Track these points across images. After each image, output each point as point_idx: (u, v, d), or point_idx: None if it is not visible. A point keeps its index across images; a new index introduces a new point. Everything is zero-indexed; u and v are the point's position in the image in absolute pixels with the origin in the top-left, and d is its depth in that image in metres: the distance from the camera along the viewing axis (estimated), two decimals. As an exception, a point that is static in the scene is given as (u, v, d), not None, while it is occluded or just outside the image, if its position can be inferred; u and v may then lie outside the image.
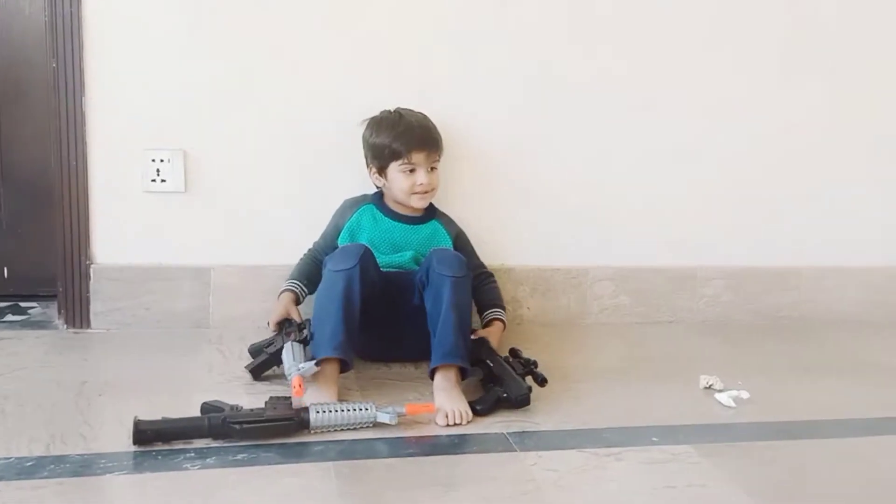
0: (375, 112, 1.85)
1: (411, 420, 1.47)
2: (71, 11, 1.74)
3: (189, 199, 1.90)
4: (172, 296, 1.91)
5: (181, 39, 1.84)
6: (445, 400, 1.51)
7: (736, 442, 1.50)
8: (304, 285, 1.81)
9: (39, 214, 1.94)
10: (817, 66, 2.19)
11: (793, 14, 2.16)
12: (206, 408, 1.39)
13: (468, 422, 1.48)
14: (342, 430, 1.42)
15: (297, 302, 1.79)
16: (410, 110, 1.86)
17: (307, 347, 1.61)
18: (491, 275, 1.94)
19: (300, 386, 1.43)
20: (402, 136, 1.78)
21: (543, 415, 1.56)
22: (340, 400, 1.50)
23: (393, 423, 1.42)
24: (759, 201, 2.23)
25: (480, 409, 1.53)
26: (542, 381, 1.60)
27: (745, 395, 1.69)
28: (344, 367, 1.57)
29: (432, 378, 1.58)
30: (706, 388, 1.74)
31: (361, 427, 1.43)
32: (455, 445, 1.41)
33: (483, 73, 2.01)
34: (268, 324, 1.76)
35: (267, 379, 1.64)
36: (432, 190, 1.83)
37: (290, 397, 1.43)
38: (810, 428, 1.59)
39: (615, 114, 2.10)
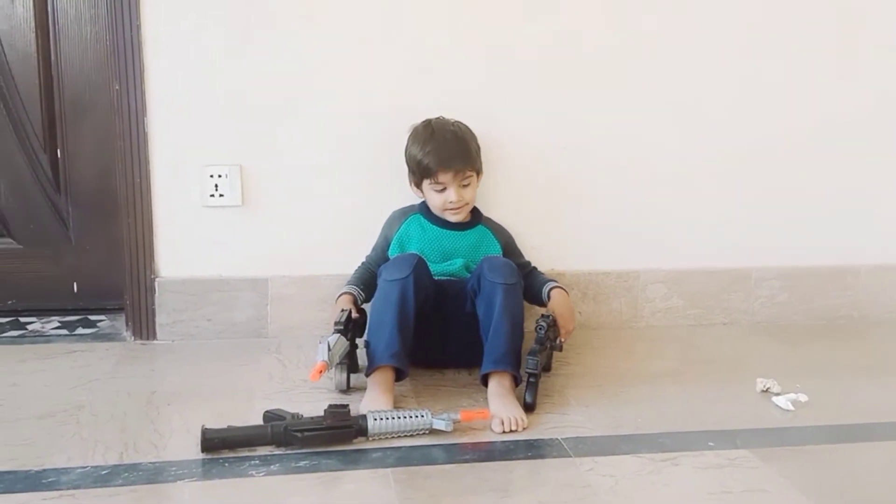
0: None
1: (466, 426, 1.50)
2: (131, 36, 1.81)
3: (246, 213, 1.96)
4: (232, 307, 1.98)
5: (235, 58, 1.90)
6: (500, 406, 1.53)
7: (794, 445, 1.49)
8: (362, 290, 1.83)
9: (105, 231, 2.02)
10: (869, 61, 2.15)
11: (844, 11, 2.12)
12: (269, 416, 1.44)
13: (524, 428, 1.51)
14: (399, 436, 1.45)
15: (356, 304, 1.81)
16: (445, 122, 1.85)
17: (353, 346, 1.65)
18: (534, 268, 1.95)
19: (319, 372, 1.47)
20: (431, 154, 1.78)
21: (598, 420, 1.57)
22: (397, 407, 1.54)
23: (448, 429, 1.45)
24: (813, 199, 2.19)
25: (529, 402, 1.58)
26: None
27: (803, 397, 1.67)
28: (399, 375, 1.60)
29: (484, 384, 1.61)
30: (763, 391, 1.72)
31: (418, 434, 1.46)
32: (511, 451, 1.43)
33: (524, 77, 2.01)
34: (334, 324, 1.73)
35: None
36: (465, 205, 1.83)
37: (347, 405, 1.47)
38: (870, 430, 1.57)
39: (662, 114, 2.09)
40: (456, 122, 1.87)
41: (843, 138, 2.18)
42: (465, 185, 1.82)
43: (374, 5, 1.92)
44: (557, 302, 1.81)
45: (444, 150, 1.78)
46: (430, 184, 1.81)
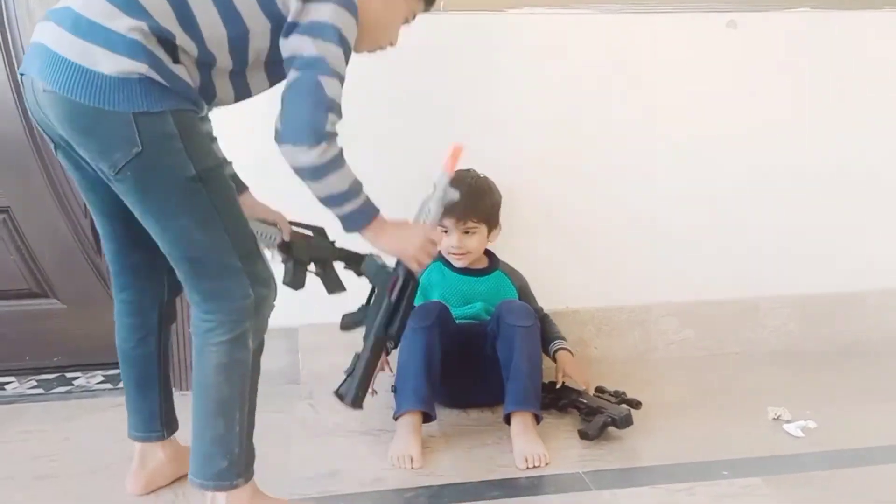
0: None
1: (494, 465, 1.59)
2: (166, 108, 1.94)
3: (275, 265, 2.06)
4: (266, 356, 2.06)
5: (262, 122, 2.01)
6: (524, 444, 1.62)
7: (805, 472, 1.56)
8: None
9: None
10: (869, 98, 2.24)
11: (829, 48, 2.22)
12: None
13: (546, 464, 1.59)
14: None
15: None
16: (469, 174, 1.92)
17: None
18: (546, 315, 2.03)
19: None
20: None
21: (617, 452, 1.65)
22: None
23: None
24: (817, 227, 2.27)
25: (591, 434, 1.69)
26: (636, 405, 1.77)
27: (812, 424, 1.74)
28: (427, 418, 1.70)
29: (507, 422, 1.70)
30: (774, 419, 1.80)
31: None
32: (535, 486, 1.52)
33: (534, 118, 2.10)
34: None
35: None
36: (467, 253, 1.90)
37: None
38: (880, 455, 1.63)
39: (667, 150, 2.18)
40: (483, 176, 1.95)
41: (844, 168, 2.26)
42: (468, 233, 1.89)
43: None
44: (565, 362, 1.90)
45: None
46: (439, 226, 1.91)
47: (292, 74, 1.26)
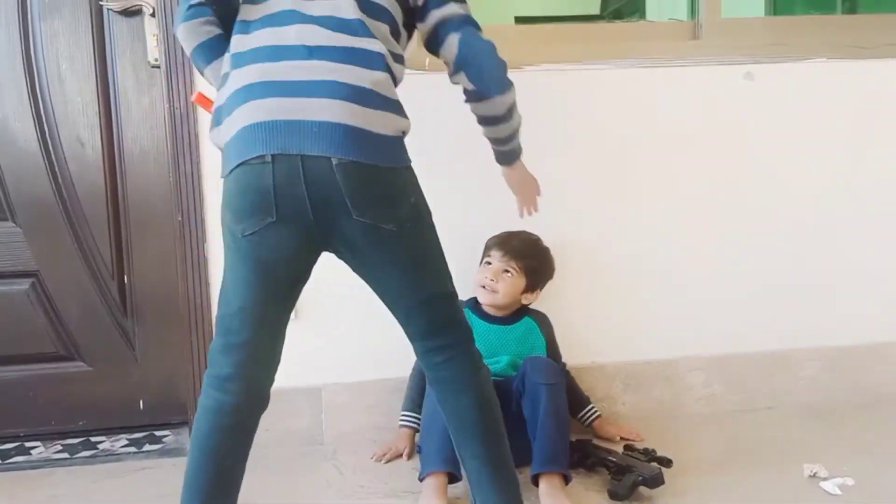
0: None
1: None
2: (192, 171, 1.99)
3: (299, 326, 2.02)
4: (289, 415, 2.07)
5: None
6: (553, 506, 1.59)
7: (844, 532, 1.51)
8: (418, 416, 1.91)
9: (168, 349, 2.15)
10: (888, 133, 2.23)
11: (848, 98, 2.23)
12: None
13: (576, 526, 1.56)
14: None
15: (412, 440, 1.94)
16: (531, 234, 1.99)
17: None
18: (568, 371, 2.02)
19: None
20: (496, 237, 1.97)
21: (648, 513, 1.61)
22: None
23: None
24: (846, 275, 2.24)
25: (621, 493, 1.66)
26: (667, 463, 1.73)
27: (850, 481, 1.69)
28: (452, 478, 1.67)
29: (535, 483, 1.67)
30: (811, 476, 1.75)
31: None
32: (565, 550, 1.48)
33: (555, 174, 2.11)
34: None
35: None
36: (495, 292, 1.91)
37: None
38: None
39: (688, 202, 2.17)
40: (546, 247, 2.00)
41: (874, 215, 2.24)
42: (506, 271, 1.91)
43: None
44: (617, 428, 2.01)
45: (508, 238, 1.96)
46: (483, 258, 1.95)
47: (457, 36, 1.42)
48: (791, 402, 2.22)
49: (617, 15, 3.19)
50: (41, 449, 2.09)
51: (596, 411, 2.01)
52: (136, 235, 2.14)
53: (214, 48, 1.43)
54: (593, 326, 2.17)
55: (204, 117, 1.99)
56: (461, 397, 1.41)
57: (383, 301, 1.42)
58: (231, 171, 1.31)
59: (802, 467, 1.76)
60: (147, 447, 2.08)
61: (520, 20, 3.17)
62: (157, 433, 2.16)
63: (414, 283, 1.37)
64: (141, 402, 2.19)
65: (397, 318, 1.43)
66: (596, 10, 3.30)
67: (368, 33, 1.34)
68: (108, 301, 2.16)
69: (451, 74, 1.47)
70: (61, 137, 2.09)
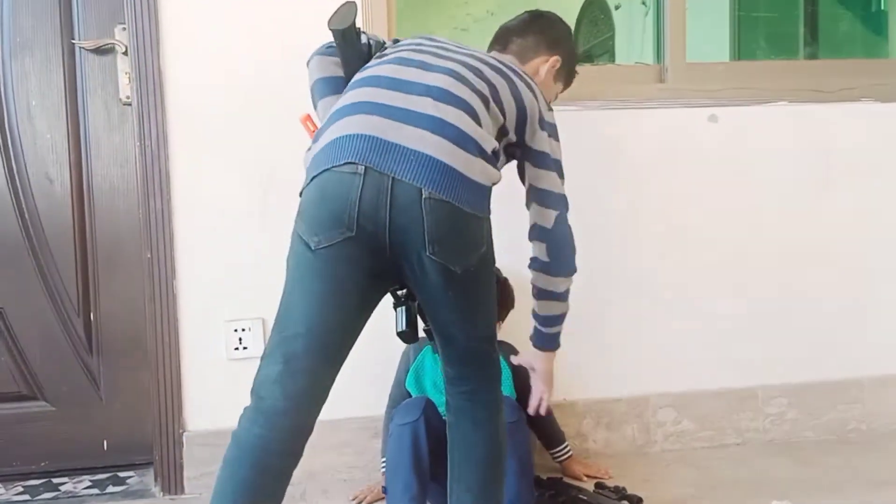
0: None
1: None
2: (162, 208, 1.98)
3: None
4: (257, 456, 2.03)
5: (253, 222, 2.04)
6: (521, 545, 1.58)
7: (813, 569, 1.52)
8: None
9: (134, 388, 2.11)
10: (849, 181, 2.29)
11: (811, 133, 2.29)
12: None
13: (545, 562, 1.55)
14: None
15: None
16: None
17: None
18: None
19: None
20: None
21: (619, 552, 1.60)
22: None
23: None
24: (812, 314, 2.28)
25: None
26: (637, 501, 1.75)
27: (817, 518, 1.70)
28: (420, 516, 1.66)
29: (502, 522, 1.66)
30: (779, 512, 1.76)
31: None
32: (535, 590, 1.46)
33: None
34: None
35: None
36: None
37: None
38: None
39: (657, 241, 2.21)
40: (504, 278, 1.97)
41: (836, 253, 2.29)
42: None
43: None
44: (584, 468, 2.01)
45: None
46: None
47: (554, 214, 1.52)
48: (759, 439, 2.24)
49: (587, 56, 3.26)
50: (1, 490, 2.04)
51: (569, 450, 2.01)
52: (104, 273, 2.12)
53: (332, 86, 1.48)
54: (563, 363, 2.14)
55: (175, 155, 1.99)
56: (476, 429, 1.43)
57: (431, 324, 1.42)
58: (314, 178, 1.30)
59: (771, 504, 1.78)
60: (110, 489, 2.04)
61: (492, 61, 3.22)
62: (121, 474, 2.12)
63: (464, 322, 1.39)
64: (105, 442, 2.15)
65: (438, 341, 1.43)
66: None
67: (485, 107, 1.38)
68: (73, 339, 2.13)
69: (532, 239, 1.55)
70: (29, 174, 2.08)
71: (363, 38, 1.51)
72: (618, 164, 2.19)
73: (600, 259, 2.18)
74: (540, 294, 1.58)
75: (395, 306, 1.44)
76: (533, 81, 1.53)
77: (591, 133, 2.17)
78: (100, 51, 2.06)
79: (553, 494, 1.82)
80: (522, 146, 1.50)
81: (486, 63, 1.44)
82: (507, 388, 1.89)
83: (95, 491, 2.03)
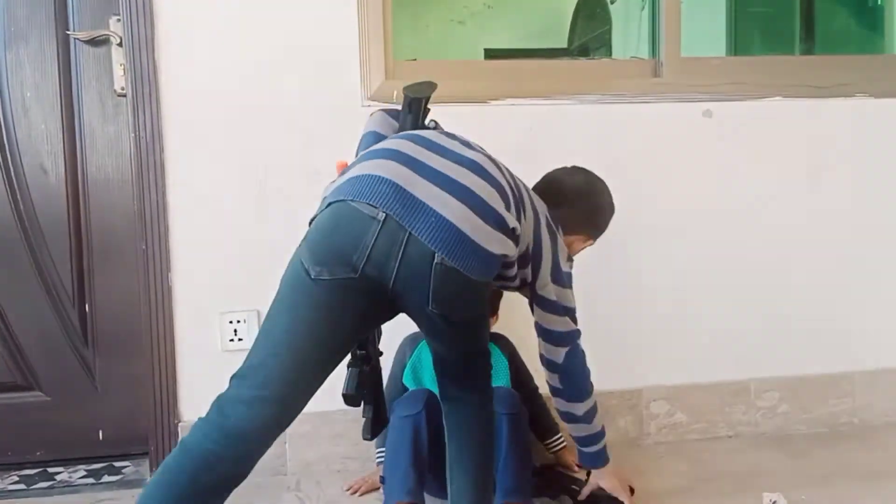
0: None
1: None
2: (157, 200, 1.98)
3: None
4: (252, 447, 2.04)
5: (248, 213, 2.05)
6: (516, 536, 1.59)
7: (802, 560, 1.53)
8: None
9: (129, 379, 2.12)
10: (841, 170, 2.30)
11: (803, 135, 2.30)
12: None
13: (538, 555, 1.56)
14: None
15: None
16: None
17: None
18: (540, 395, 2.02)
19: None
20: None
21: (611, 544, 1.62)
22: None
23: None
24: (803, 309, 2.29)
25: None
26: (630, 492, 1.76)
27: (808, 510, 1.72)
28: (416, 509, 1.67)
29: (498, 514, 1.67)
30: (770, 504, 1.77)
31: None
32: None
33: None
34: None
35: None
36: None
37: None
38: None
39: (653, 233, 2.21)
40: None
41: (829, 247, 2.30)
42: None
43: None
44: (569, 461, 1.97)
45: None
46: None
47: (564, 350, 1.61)
48: (751, 432, 2.26)
49: (584, 49, 3.26)
50: (-4, 481, 2.05)
51: (563, 441, 2.02)
52: (99, 264, 2.13)
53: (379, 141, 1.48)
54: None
55: (170, 147, 2.00)
56: (473, 416, 1.52)
57: (428, 344, 1.50)
58: (330, 204, 1.29)
59: (762, 496, 1.79)
60: (106, 478, 2.05)
61: (490, 53, 3.23)
62: (117, 464, 2.13)
63: (459, 346, 1.46)
64: (100, 432, 2.16)
65: (433, 356, 1.50)
66: (563, 45, 3.37)
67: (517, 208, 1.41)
68: (69, 330, 2.13)
69: (542, 365, 1.64)
70: (24, 165, 2.08)
71: (428, 118, 1.52)
72: (612, 158, 2.18)
73: (593, 251, 2.18)
74: (563, 417, 1.69)
75: (349, 365, 1.45)
76: (560, 237, 1.62)
77: (586, 127, 2.17)
78: (94, 42, 2.06)
79: (546, 483, 1.83)
80: (531, 288, 1.57)
81: (528, 191, 1.54)
82: (503, 379, 1.91)
83: (91, 480, 2.04)
